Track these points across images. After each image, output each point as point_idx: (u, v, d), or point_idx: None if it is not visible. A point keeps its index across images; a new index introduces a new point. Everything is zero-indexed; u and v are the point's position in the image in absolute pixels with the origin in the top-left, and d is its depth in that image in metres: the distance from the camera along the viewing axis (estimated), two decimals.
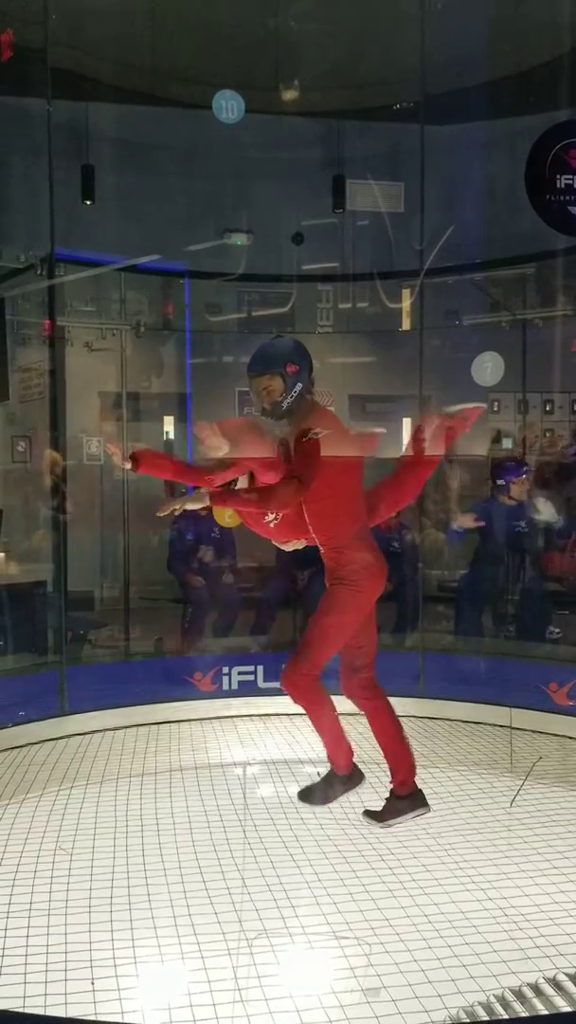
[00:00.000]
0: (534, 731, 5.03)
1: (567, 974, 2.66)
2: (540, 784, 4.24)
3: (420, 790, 3.52)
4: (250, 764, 4.68)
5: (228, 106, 5.06)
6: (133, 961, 2.79)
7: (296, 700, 3.46)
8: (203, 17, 5.86)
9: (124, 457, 3.44)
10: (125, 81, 6.41)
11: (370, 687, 3.53)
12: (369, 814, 3.56)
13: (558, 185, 4.15)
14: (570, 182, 4.15)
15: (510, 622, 6.21)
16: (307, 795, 3.67)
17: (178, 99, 6.50)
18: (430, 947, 2.84)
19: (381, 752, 3.53)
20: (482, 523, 5.99)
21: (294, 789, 4.20)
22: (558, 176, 4.15)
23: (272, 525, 3.55)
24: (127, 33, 5.96)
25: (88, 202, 6.68)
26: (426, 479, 3.81)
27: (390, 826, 3.50)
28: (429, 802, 3.52)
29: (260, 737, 5.12)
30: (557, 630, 5.99)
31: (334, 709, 3.50)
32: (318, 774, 3.69)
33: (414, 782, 3.52)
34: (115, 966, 2.76)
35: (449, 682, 5.53)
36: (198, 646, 6.09)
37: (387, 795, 3.52)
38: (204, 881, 3.31)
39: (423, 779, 4.28)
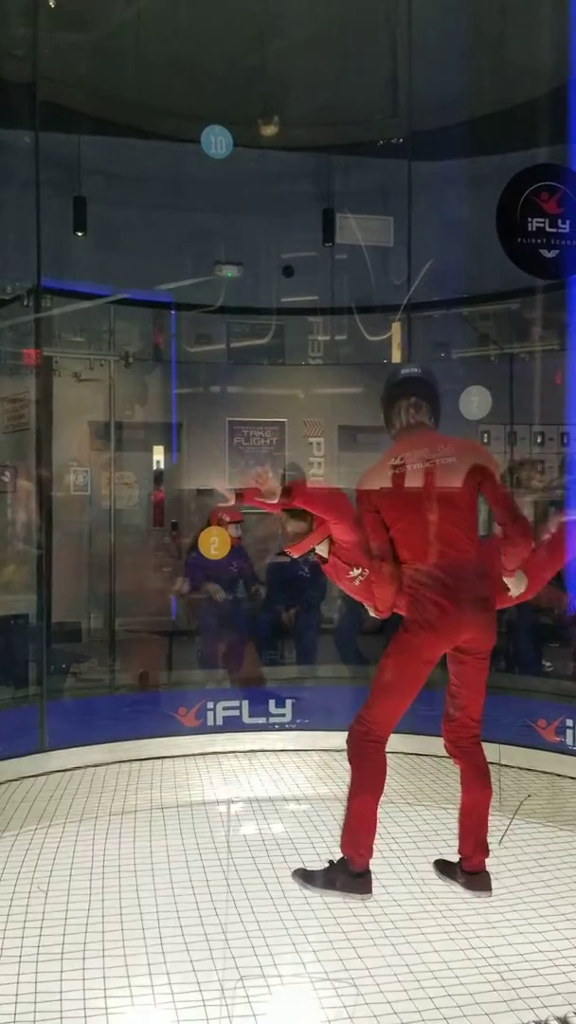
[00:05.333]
0: (522, 768, 4.97)
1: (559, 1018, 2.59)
2: (529, 823, 4.17)
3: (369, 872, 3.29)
4: (234, 802, 4.59)
5: (217, 141, 5.08)
6: (104, 1012, 2.69)
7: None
8: (191, 53, 5.92)
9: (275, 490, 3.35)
10: (115, 115, 6.47)
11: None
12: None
13: (529, 228, 4.13)
14: (541, 225, 4.12)
15: (499, 657, 6.15)
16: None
17: (167, 134, 6.56)
18: (411, 998, 2.75)
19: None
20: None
21: (278, 828, 4.14)
22: (529, 219, 4.13)
23: (356, 583, 3.50)
24: (116, 68, 6.02)
25: (80, 233, 6.71)
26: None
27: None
28: (417, 850, 3.45)
29: (244, 774, 5.03)
30: (548, 664, 5.93)
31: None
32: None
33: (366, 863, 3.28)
34: (85, 1018, 2.67)
35: (435, 719, 5.44)
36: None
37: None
38: (181, 926, 3.22)
39: (410, 817, 4.25)
